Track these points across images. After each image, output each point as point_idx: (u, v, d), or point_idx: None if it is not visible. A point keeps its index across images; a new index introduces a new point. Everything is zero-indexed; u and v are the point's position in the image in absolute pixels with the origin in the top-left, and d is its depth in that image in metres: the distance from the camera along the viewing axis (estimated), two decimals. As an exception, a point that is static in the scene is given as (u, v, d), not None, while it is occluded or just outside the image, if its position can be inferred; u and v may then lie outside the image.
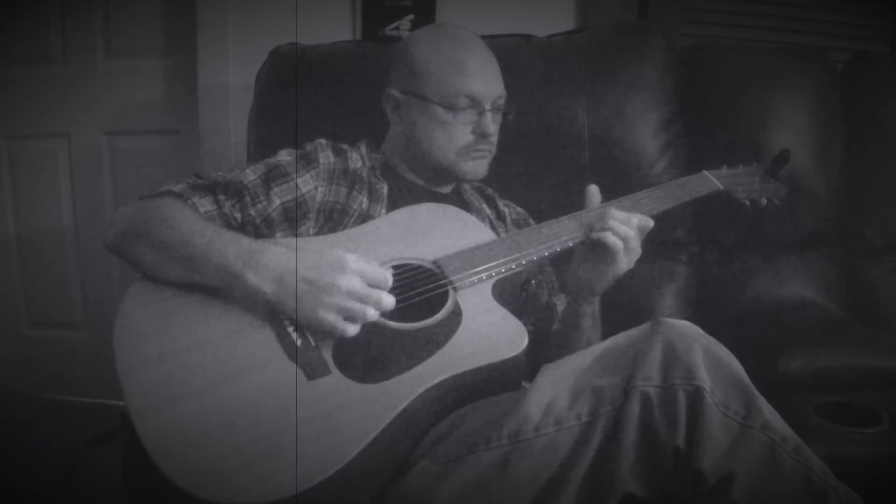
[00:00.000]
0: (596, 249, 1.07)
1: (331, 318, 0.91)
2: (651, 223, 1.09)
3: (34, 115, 2.21)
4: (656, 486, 0.84)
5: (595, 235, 1.06)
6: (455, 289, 1.01)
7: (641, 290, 1.49)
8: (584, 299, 1.13)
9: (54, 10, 2.16)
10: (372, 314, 0.92)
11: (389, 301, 0.93)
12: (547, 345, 1.20)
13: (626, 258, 1.07)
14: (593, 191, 1.12)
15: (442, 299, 1.00)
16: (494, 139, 1.21)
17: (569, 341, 1.16)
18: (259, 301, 0.93)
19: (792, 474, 0.82)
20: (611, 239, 1.04)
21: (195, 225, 1.00)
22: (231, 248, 0.95)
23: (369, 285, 0.93)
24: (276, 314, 0.94)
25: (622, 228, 1.05)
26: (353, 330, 0.92)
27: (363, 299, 0.92)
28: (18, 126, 2.23)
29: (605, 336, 1.12)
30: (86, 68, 2.16)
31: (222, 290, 0.95)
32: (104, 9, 2.14)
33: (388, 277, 0.94)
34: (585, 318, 1.14)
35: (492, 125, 1.19)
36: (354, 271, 0.92)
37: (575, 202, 1.14)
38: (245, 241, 0.97)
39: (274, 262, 0.93)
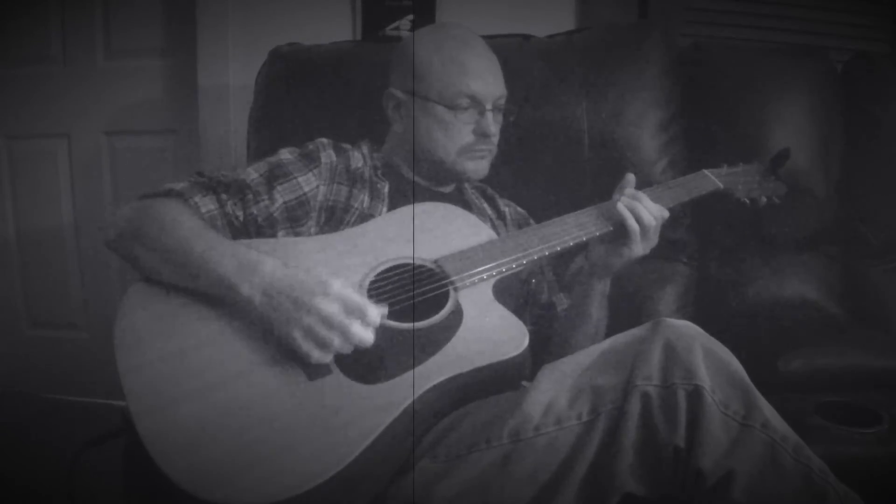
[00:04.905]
0: (615, 234, 1.08)
1: (298, 337, 0.88)
2: (666, 213, 1.11)
3: (34, 115, 2.21)
4: (656, 485, 0.85)
5: (620, 216, 1.07)
6: (456, 288, 1.01)
7: (641, 290, 1.49)
8: (597, 275, 1.13)
9: (54, 10, 2.15)
10: (342, 346, 0.88)
11: (366, 337, 0.88)
12: (550, 340, 1.20)
13: (644, 243, 1.08)
14: (630, 178, 1.13)
15: (443, 299, 1.00)
16: (496, 139, 1.21)
17: (576, 325, 1.15)
18: (250, 311, 0.92)
19: (792, 474, 0.82)
20: (631, 223, 1.06)
21: (194, 230, 0.99)
22: (227, 258, 0.93)
23: (350, 315, 0.88)
24: None
25: (644, 214, 1.07)
26: (317, 355, 0.88)
27: (336, 327, 0.87)
28: (18, 126, 2.23)
29: (605, 336, 1.12)
30: (86, 68, 2.16)
31: (217, 297, 0.94)
32: (104, 9, 2.14)
33: (373, 313, 0.89)
34: (595, 295, 1.14)
35: (493, 125, 1.19)
36: (336, 297, 0.88)
37: (575, 202, 1.14)
38: (241, 252, 0.95)
39: (267, 274, 0.92)
